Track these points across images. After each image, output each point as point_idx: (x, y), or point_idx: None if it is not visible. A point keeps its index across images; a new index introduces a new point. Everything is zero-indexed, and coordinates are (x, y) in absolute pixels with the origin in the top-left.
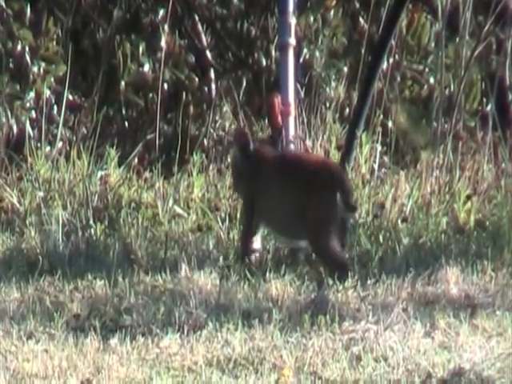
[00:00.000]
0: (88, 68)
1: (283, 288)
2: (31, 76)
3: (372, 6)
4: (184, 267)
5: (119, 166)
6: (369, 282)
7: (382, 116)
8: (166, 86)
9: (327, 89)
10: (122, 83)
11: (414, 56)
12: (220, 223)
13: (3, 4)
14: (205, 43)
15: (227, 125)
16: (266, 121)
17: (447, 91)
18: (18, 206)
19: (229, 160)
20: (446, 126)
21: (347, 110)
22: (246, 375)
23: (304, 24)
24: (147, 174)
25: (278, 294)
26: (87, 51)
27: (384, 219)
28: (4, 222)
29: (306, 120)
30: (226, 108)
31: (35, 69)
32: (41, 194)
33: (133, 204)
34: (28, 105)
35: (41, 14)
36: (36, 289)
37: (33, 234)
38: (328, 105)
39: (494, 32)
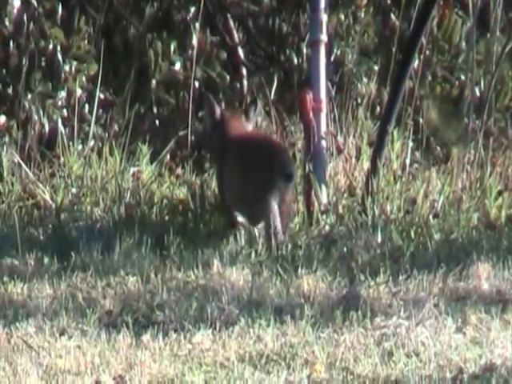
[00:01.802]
0: (119, 66)
1: (315, 284)
2: (63, 74)
3: (403, 3)
4: (216, 263)
5: (151, 162)
6: (400, 277)
7: (413, 113)
8: (197, 83)
9: (358, 85)
10: (154, 81)
11: (445, 53)
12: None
13: (35, 3)
14: (236, 40)
15: (259, 121)
16: (298, 117)
17: (478, 88)
18: (50, 202)
19: None
20: (476, 122)
21: (378, 106)
22: (277, 371)
23: (335, 21)
24: (179, 171)
25: (309, 290)
26: (119, 49)
27: (415, 215)
28: (37, 219)
29: (337, 116)
30: (258, 105)
31: (67, 67)
32: (73, 190)
33: (165, 200)
34: (60, 103)
35: (72, 13)
36: (68, 285)
37: (66, 230)
38: (359, 101)
39: None
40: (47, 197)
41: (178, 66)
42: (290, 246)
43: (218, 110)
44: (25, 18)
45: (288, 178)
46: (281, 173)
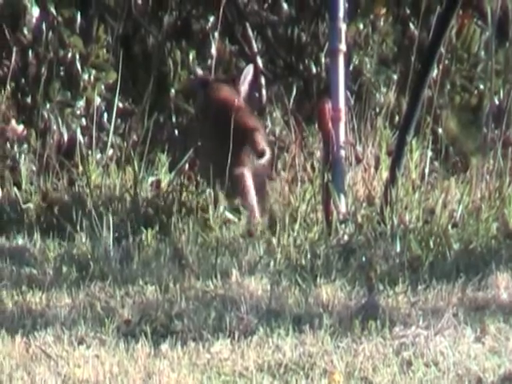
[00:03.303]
0: (138, 75)
1: (334, 293)
2: (82, 83)
3: (422, 12)
4: (235, 272)
5: (170, 171)
6: (419, 287)
7: (432, 122)
8: None
9: (377, 95)
10: (172, 90)
11: (464, 62)
12: (271, 229)
13: (54, 11)
14: (255, 49)
15: (277, 130)
16: (317, 127)
17: (497, 97)
18: (68, 212)
19: (279, 165)
20: (495, 131)
21: (397, 116)
22: (296, 380)
23: (354, 30)
24: (198, 180)
25: (328, 299)
26: (137, 58)
27: (434, 225)
28: (55, 228)
29: (356, 126)
30: (277, 114)
31: (86, 76)
32: (92, 199)
33: (184, 209)
34: (79, 112)
35: (91, 21)
36: (87, 294)
37: (84, 239)
38: (378, 111)
39: None
40: (65, 206)
41: None
42: (308, 255)
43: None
44: (44, 26)
45: (260, 155)
46: (253, 150)
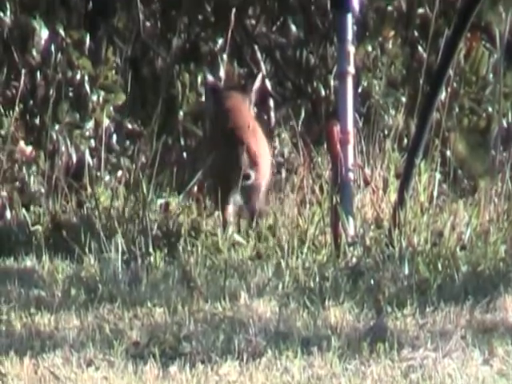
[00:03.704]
0: (147, 97)
1: (342, 315)
2: (90, 105)
3: (431, 34)
4: (243, 295)
5: (178, 194)
6: (427, 309)
7: (440, 145)
8: None
9: (386, 117)
10: (181, 112)
11: (472, 85)
12: (279, 251)
13: (63, 33)
14: (264, 72)
15: (286, 152)
16: (325, 149)
17: (505, 120)
18: (77, 233)
19: (287, 187)
20: (504, 154)
21: (406, 138)
22: None
23: (363, 52)
24: (207, 202)
25: (337, 322)
26: (146, 80)
27: (442, 247)
28: (63, 250)
29: (364, 148)
30: (285, 136)
31: (94, 97)
32: (100, 221)
33: (192, 232)
34: (87, 134)
35: (100, 43)
36: (95, 316)
37: (92, 261)
38: (386, 133)
39: None
40: (74, 228)
41: None
42: (317, 277)
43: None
44: (52, 48)
45: (245, 178)
46: (238, 174)
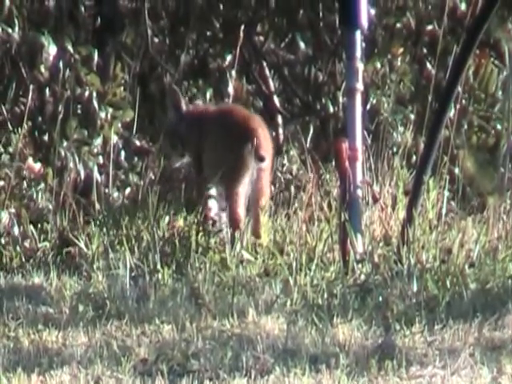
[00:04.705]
0: (155, 113)
1: (350, 333)
2: (99, 121)
3: (439, 51)
4: (251, 312)
5: (187, 210)
6: (436, 326)
7: (448, 162)
8: None
9: (394, 134)
10: None
11: (481, 102)
12: (287, 268)
13: (71, 49)
14: (272, 88)
15: (294, 169)
16: (334, 166)
17: None
18: (85, 250)
19: (296, 204)
20: None
21: (414, 155)
22: None
23: (371, 69)
24: (215, 219)
25: (345, 339)
26: (154, 96)
27: (451, 264)
28: (72, 267)
29: (373, 165)
30: (293, 153)
31: (103, 114)
32: (108, 238)
33: (200, 249)
34: (96, 150)
35: (108, 59)
36: (103, 333)
37: (100, 278)
38: (395, 150)
39: None
40: (82, 245)
41: None
42: (325, 294)
43: (183, 101)
44: (61, 64)
45: (260, 159)
46: (254, 155)
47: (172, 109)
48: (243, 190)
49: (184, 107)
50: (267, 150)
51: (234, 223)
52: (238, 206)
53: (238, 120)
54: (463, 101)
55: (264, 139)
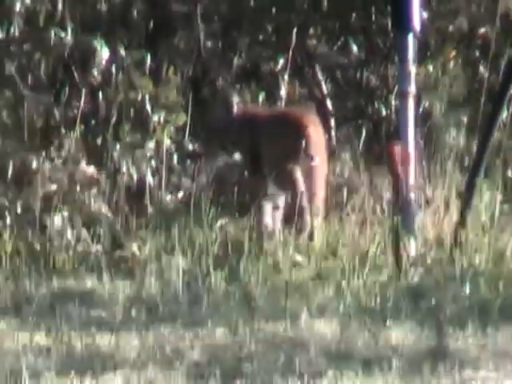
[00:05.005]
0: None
1: (403, 336)
2: (152, 125)
3: (491, 54)
4: (304, 315)
5: (239, 214)
6: (489, 329)
7: (501, 165)
8: None
9: (447, 137)
10: None
11: None
12: (340, 271)
13: (123, 53)
14: (325, 92)
15: (347, 172)
16: (386, 169)
17: None
18: (138, 253)
19: (348, 208)
20: None
21: (467, 158)
22: None
23: (424, 72)
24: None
25: (398, 342)
26: (207, 100)
27: (504, 267)
28: (124, 270)
29: (425, 168)
30: (346, 156)
31: (155, 118)
32: (161, 241)
33: (253, 252)
34: (148, 154)
35: (161, 63)
36: (156, 337)
37: (153, 281)
38: (447, 153)
39: None
40: (135, 248)
41: None
42: (378, 297)
43: (234, 102)
44: (113, 68)
45: (310, 158)
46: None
47: (223, 110)
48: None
49: (235, 108)
50: (318, 149)
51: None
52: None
53: (292, 118)
54: None
55: (315, 139)
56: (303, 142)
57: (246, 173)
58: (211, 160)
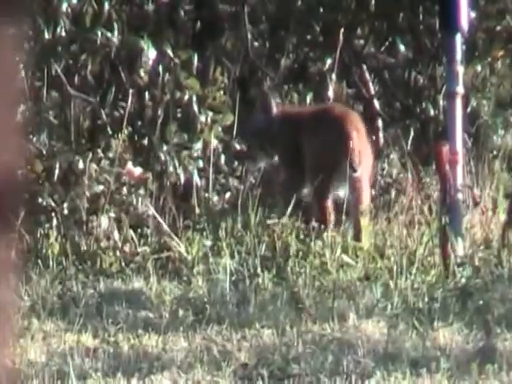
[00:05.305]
0: None
1: (451, 337)
2: (199, 125)
3: None
4: (352, 316)
5: (287, 214)
6: None
7: None
8: None
9: (495, 137)
10: None
11: None
12: (388, 272)
13: (171, 53)
14: (372, 92)
15: (394, 172)
16: (434, 169)
17: None
18: (185, 254)
19: (396, 208)
20: None
21: None
22: None
23: (471, 72)
24: (315, 223)
25: (445, 343)
26: (254, 100)
27: None
28: (171, 271)
29: (473, 168)
30: (394, 156)
31: (203, 118)
32: (208, 243)
33: (300, 253)
34: (195, 154)
35: (208, 63)
36: (203, 338)
37: (200, 282)
38: (495, 153)
39: None
40: (182, 249)
41: None
42: (426, 298)
43: (273, 104)
44: (160, 68)
45: (353, 170)
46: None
47: (262, 111)
48: (332, 188)
49: (274, 109)
50: (363, 156)
51: (321, 217)
52: (325, 200)
53: (334, 123)
54: None
55: (359, 145)
56: (345, 149)
57: (283, 174)
58: (253, 161)
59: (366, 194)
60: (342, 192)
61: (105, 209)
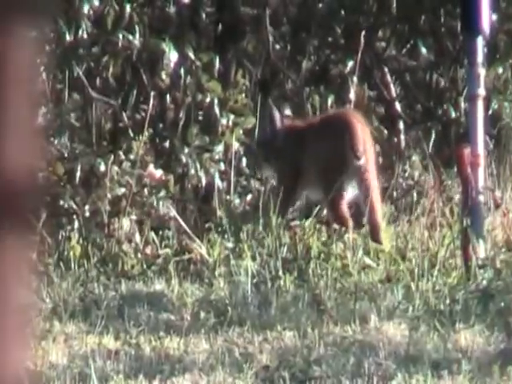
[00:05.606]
0: None
1: (472, 338)
2: (220, 128)
3: None
4: (373, 318)
5: (307, 216)
6: None
7: None
8: None
9: None
10: None
11: None
12: (409, 274)
13: (192, 56)
14: (394, 94)
15: (416, 175)
16: (455, 171)
17: None
18: (206, 257)
19: (418, 210)
20: None
21: None
22: None
23: (493, 75)
24: (336, 225)
25: (467, 345)
26: (276, 103)
27: None
28: (193, 273)
29: (495, 171)
30: (415, 158)
31: (224, 121)
32: (230, 245)
33: (322, 255)
34: (217, 157)
35: (230, 66)
36: (225, 340)
37: (222, 284)
38: None
39: None
40: (203, 251)
41: None
42: (447, 300)
43: (278, 117)
44: (181, 71)
45: (356, 157)
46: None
47: (269, 123)
48: (344, 190)
49: (278, 123)
50: (364, 147)
51: (339, 221)
52: (339, 204)
53: (334, 120)
54: None
55: (362, 134)
56: (350, 144)
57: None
58: (259, 171)
59: (374, 185)
60: (353, 191)
61: (126, 211)
